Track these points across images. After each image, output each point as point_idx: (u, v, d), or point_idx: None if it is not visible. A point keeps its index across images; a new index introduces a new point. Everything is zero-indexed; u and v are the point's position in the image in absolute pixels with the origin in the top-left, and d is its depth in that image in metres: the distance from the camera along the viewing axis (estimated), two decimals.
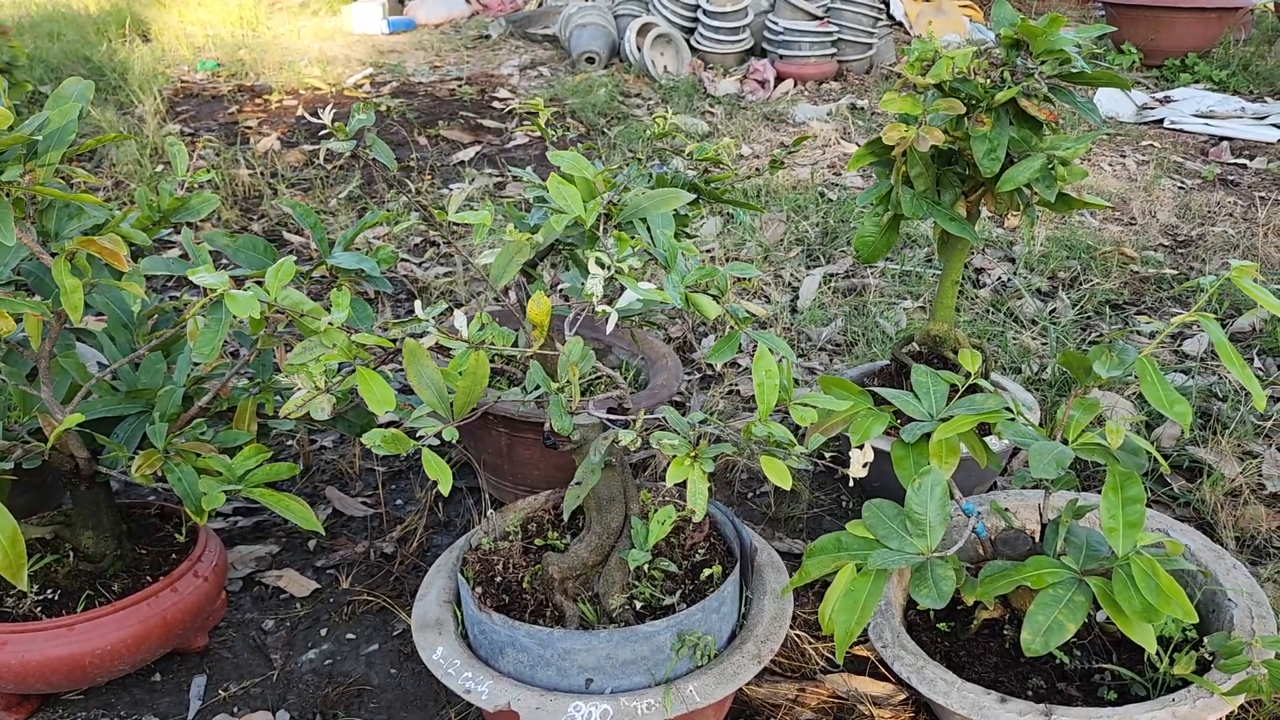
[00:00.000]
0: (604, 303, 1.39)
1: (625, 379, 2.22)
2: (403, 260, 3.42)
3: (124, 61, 6.04)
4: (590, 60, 6.17)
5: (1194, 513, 2.09)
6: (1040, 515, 1.47)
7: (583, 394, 1.53)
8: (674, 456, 1.26)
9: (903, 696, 1.64)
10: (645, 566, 1.48)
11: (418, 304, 1.39)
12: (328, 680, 1.72)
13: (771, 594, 1.50)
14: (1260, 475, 2.17)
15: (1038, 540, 1.47)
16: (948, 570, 1.28)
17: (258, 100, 5.53)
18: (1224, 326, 2.89)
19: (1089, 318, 2.94)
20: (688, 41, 6.13)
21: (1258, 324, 2.87)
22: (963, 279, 3.21)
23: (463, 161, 4.46)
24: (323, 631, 1.83)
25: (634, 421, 1.32)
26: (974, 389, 1.53)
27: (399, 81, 5.98)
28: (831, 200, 3.90)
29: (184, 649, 1.74)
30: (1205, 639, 1.32)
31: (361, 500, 2.19)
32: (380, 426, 1.30)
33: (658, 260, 1.47)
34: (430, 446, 2.33)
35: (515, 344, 1.40)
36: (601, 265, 1.35)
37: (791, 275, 3.28)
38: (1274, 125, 4.79)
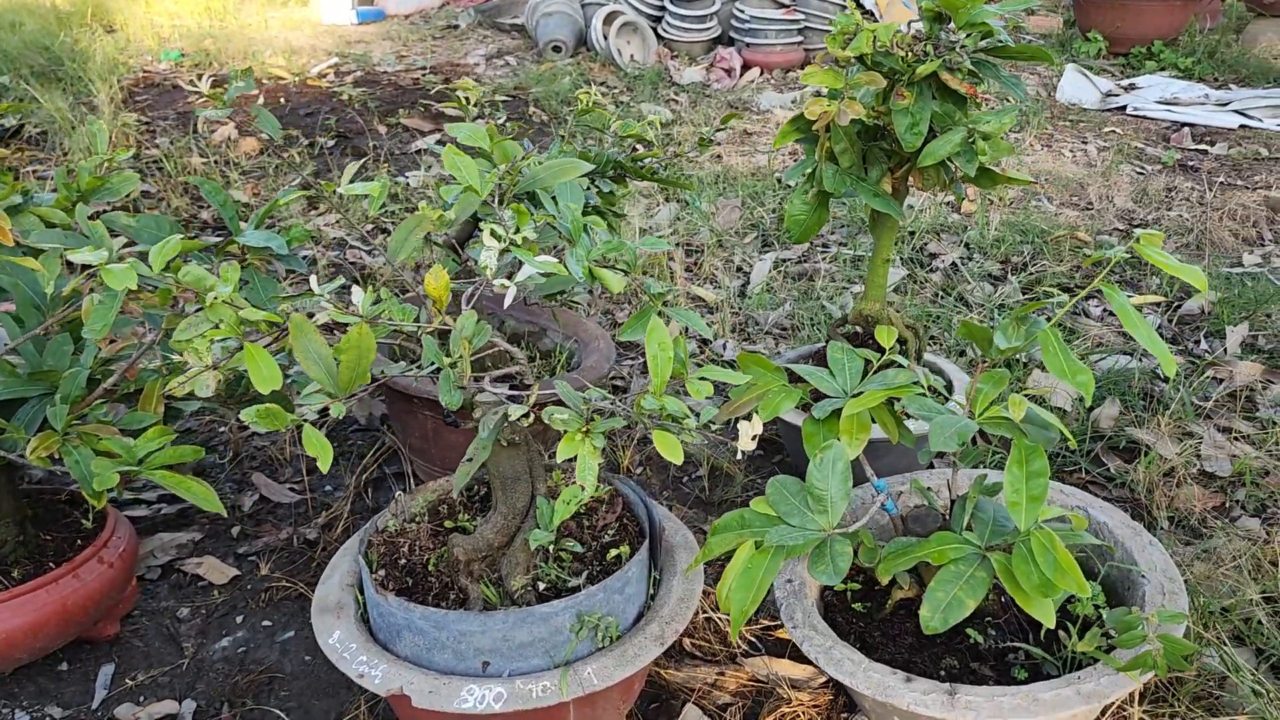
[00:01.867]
0: (504, 276, 1.36)
1: (559, 361, 2.19)
2: (352, 247, 3.38)
3: (84, 51, 5.97)
4: (557, 49, 6.12)
5: (1129, 493, 2.07)
6: (950, 491, 1.44)
7: (485, 370, 1.50)
8: (565, 431, 1.23)
9: (823, 679, 1.61)
10: (550, 548, 1.45)
11: (313, 279, 1.35)
12: (239, 668, 1.68)
13: (681, 574, 1.47)
14: (1198, 456, 2.16)
15: (947, 517, 1.45)
16: (845, 547, 1.25)
17: (218, 90, 5.47)
18: (1173, 309, 2.87)
19: (1036, 300, 2.92)
20: (654, 30, 6.10)
21: (1206, 306, 2.85)
22: (915, 263, 3.19)
23: (420, 150, 4.41)
24: (238, 619, 1.79)
25: (527, 397, 1.29)
26: (891, 366, 1.50)
27: (363, 71, 5.93)
28: (789, 187, 3.87)
29: (93, 637, 1.70)
30: (1107, 615, 1.30)
31: (290, 486, 2.15)
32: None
33: (561, 234, 1.44)
34: (355, 430, 2.31)
35: (417, 319, 1.37)
36: (496, 238, 1.32)
37: (743, 260, 3.25)
38: (1236, 112, 4.78)
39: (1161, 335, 2.70)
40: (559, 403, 1.26)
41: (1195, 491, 2.03)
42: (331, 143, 4.53)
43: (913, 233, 3.39)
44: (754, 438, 1.16)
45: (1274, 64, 5.72)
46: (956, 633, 1.47)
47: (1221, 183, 3.92)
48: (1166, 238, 3.37)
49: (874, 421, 1.43)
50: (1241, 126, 4.64)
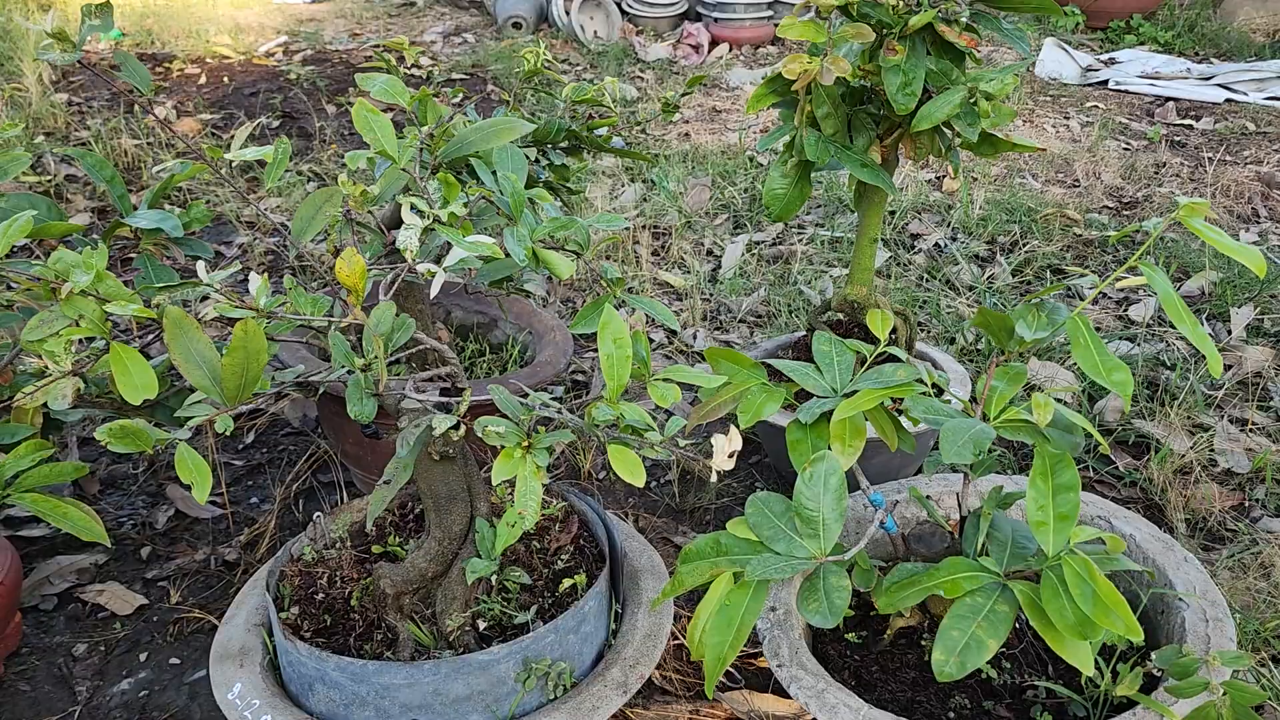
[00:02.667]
0: (434, 260, 1.14)
1: (510, 356, 1.97)
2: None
3: (16, 31, 5.64)
4: (517, 26, 5.87)
5: (1140, 493, 1.89)
6: (960, 505, 1.24)
7: (422, 370, 1.28)
8: (502, 447, 1.01)
9: (811, 717, 1.41)
10: (493, 578, 1.23)
11: (200, 265, 1.13)
12: (140, 715, 1.46)
13: (647, 607, 1.26)
14: (1212, 450, 1.97)
15: (958, 535, 1.25)
16: (842, 579, 1.04)
17: (158, 69, 5.18)
18: None
19: (1028, 283, 2.74)
20: (619, 5, 5.85)
21: (1207, 287, 2.68)
22: (897, 245, 2.99)
23: None
24: (143, 656, 1.56)
25: (457, 405, 1.07)
26: (887, 359, 1.30)
27: (314, 49, 5.65)
28: (761, 165, 3.66)
29: None
30: (1153, 653, 1.10)
31: (211, 500, 1.92)
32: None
33: (500, 210, 1.22)
34: (287, 434, 2.08)
35: (332, 312, 1.16)
36: (419, 214, 1.10)
37: (714, 243, 3.04)
38: (1220, 86, 4.62)
39: (1161, 320, 2.52)
40: (497, 411, 1.05)
41: (1213, 490, 1.85)
42: (276, 123, 4.27)
43: (893, 213, 3.19)
44: (732, 455, 0.95)
45: (1254, 37, 5.58)
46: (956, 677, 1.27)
47: (1209, 158, 3.75)
48: (1161, 213, 3.20)
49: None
50: (1227, 101, 4.48)
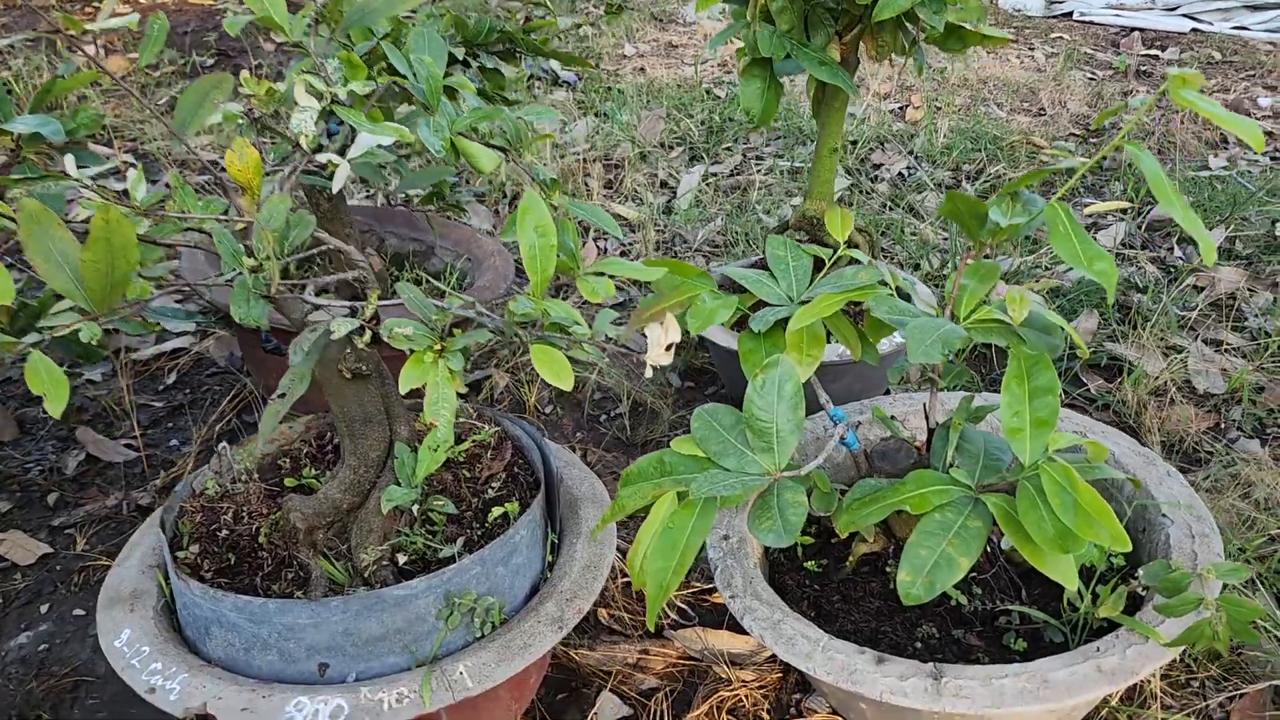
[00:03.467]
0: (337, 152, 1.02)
1: (449, 284, 1.84)
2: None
3: None
4: None
5: (1114, 417, 1.80)
6: (927, 418, 1.13)
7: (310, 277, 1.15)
8: (411, 352, 0.89)
9: (770, 653, 1.31)
10: (415, 509, 1.11)
11: (68, 159, 0.99)
12: (38, 671, 1.33)
13: (586, 536, 1.15)
14: (1186, 372, 1.89)
15: (926, 452, 1.15)
16: (798, 495, 0.93)
17: (89, 10, 4.93)
18: (1140, 216, 2.60)
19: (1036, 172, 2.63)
20: None
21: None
22: (859, 173, 2.87)
23: None
24: (44, 607, 1.43)
25: (363, 308, 0.94)
26: (849, 264, 1.19)
27: None
28: (719, 98, 3.52)
29: None
30: (1140, 570, 1.00)
31: (125, 443, 1.78)
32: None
33: (415, 98, 1.09)
34: (212, 374, 1.93)
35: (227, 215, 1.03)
36: (314, 94, 0.96)
37: (670, 174, 2.91)
38: (1185, 16, 4.52)
39: (1130, 244, 2.43)
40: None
41: (1189, 412, 1.76)
42: (210, 61, 4.06)
43: (855, 142, 3.07)
44: (669, 347, 0.83)
45: None
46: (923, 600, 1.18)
47: None
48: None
49: (829, 336, 1.12)
50: (1193, 30, 4.38)
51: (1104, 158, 1.12)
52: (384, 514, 1.07)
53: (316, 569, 1.09)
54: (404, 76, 1.10)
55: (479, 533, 1.13)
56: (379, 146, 1.00)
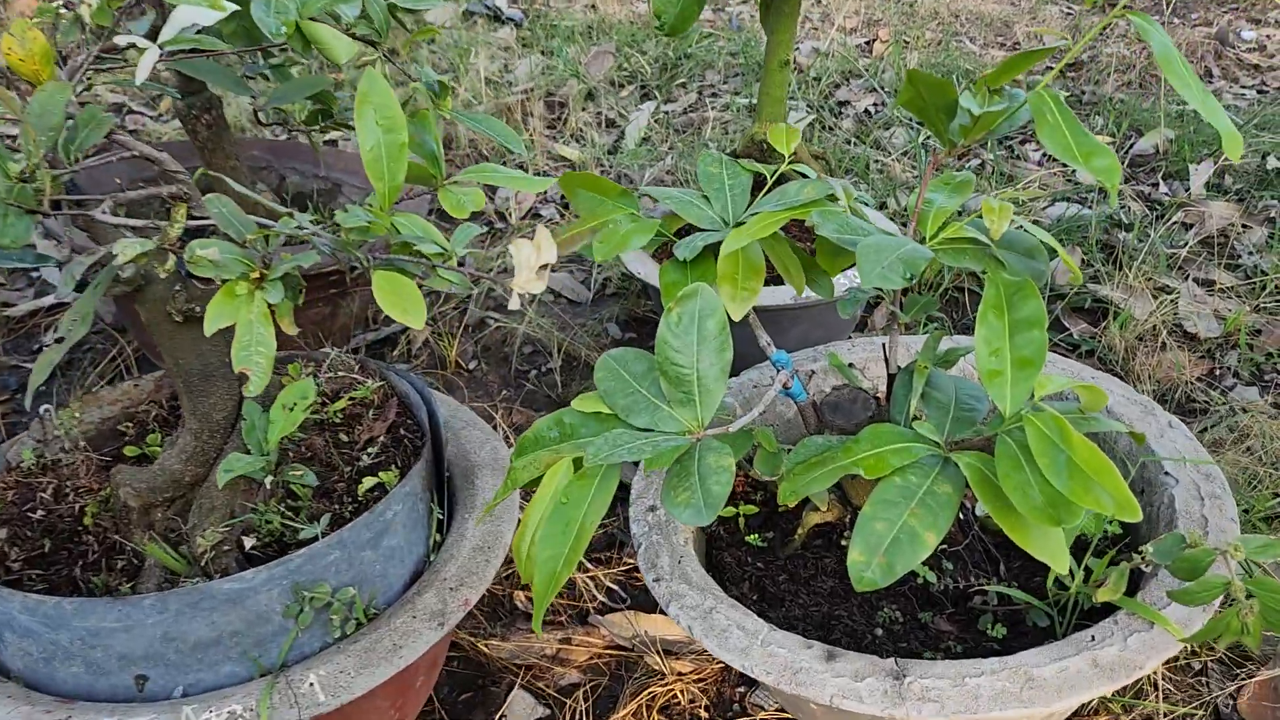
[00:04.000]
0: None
1: None
2: (134, 112, 2.72)
3: None
4: None
5: (1100, 363, 1.62)
6: (887, 362, 0.94)
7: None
8: (220, 282, 0.69)
9: None
10: (269, 481, 0.91)
11: None
12: None
13: (481, 511, 0.96)
14: (1176, 315, 1.71)
15: (887, 403, 0.96)
16: (723, 458, 0.74)
17: None
18: (1122, 151, 2.42)
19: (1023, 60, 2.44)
20: None
21: (1162, 145, 2.40)
22: (823, 109, 2.67)
23: None
24: None
25: (167, 228, 0.74)
26: (789, 182, 0.99)
27: None
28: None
29: None
30: (1148, 545, 0.82)
31: None
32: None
33: None
34: (97, 332, 1.72)
35: None
36: None
37: (618, 113, 2.69)
38: None
39: None
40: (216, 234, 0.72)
41: (1182, 358, 1.59)
42: None
43: (818, 78, 2.86)
44: (543, 268, 0.63)
45: None
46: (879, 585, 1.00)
47: (1160, 21, 3.46)
48: (1109, 74, 2.92)
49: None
50: None
51: (1083, 50, 0.91)
52: (224, 488, 0.88)
53: (150, 557, 0.90)
54: None
55: (351, 508, 0.94)
56: (202, 30, 0.79)
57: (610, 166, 2.37)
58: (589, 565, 1.25)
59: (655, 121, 2.60)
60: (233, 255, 0.68)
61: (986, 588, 0.95)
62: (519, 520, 0.96)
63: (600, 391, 0.82)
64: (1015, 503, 0.71)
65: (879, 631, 0.96)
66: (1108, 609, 0.89)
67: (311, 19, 0.89)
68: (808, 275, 0.98)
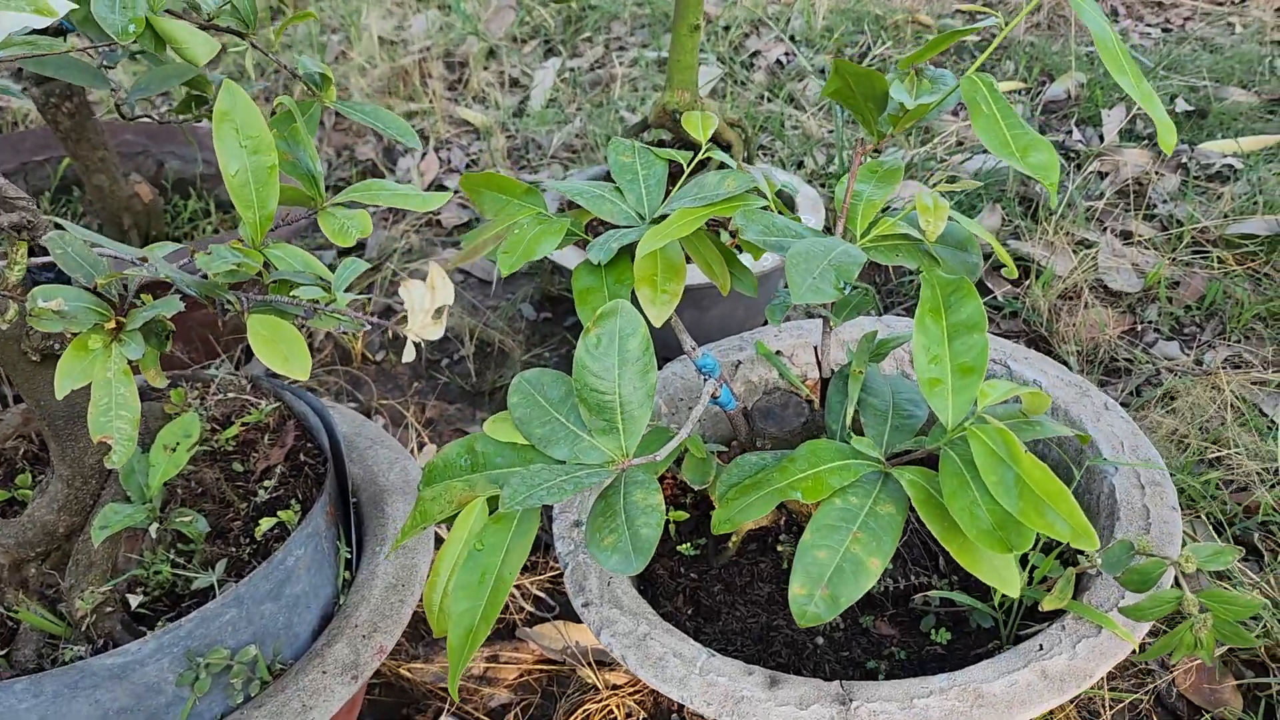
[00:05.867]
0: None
1: None
2: None
3: None
4: None
5: (1024, 325, 1.60)
6: (819, 365, 0.89)
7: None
8: (71, 335, 0.60)
9: None
10: (152, 530, 0.83)
11: None
12: None
13: (389, 549, 0.89)
14: (1098, 270, 1.70)
15: (821, 406, 0.91)
16: (650, 495, 0.68)
17: None
18: (1034, 97, 2.40)
19: (951, 35, 2.39)
20: None
21: (1074, 90, 2.39)
22: (733, 62, 2.59)
23: None
24: None
25: (4, 270, 0.64)
26: (710, 169, 0.93)
27: None
28: None
29: None
30: (1097, 554, 0.79)
31: None
32: None
33: None
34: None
35: None
36: None
37: (522, 72, 2.58)
38: None
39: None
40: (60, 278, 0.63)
41: (1104, 315, 1.58)
42: None
43: (727, 27, 2.78)
44: (440, 312, 0.56)
45: None
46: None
47: None
48: (1013, 14, 2.89)
49: (688, 262, 0.87)
50: None
51: (1002, 23, 0.86)
52: (96, 543, 0.79)
53: (24, 623, 0.81)
54: None
55: (248, 550, 0.86)
56: (36, 32, 0.69)
57: (516, 131, 2.27)
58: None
59: (561, 80, 2.50)
60: (82, 304, 0.59)
61: (930, 593, 0.91)
62: (433, 555, 0.89)
63: (515, 420, 0.75)
64: (963, 526, 0.67)
65: (820, 640, 0.92)
66: (1054, 609, 0.86)
67: (168, 11, 0.80)
68: (731, 270, 0.92)
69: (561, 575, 1.20)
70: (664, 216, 0.89)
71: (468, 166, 2.16)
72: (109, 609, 0.79)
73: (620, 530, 0.67)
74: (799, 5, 2.91)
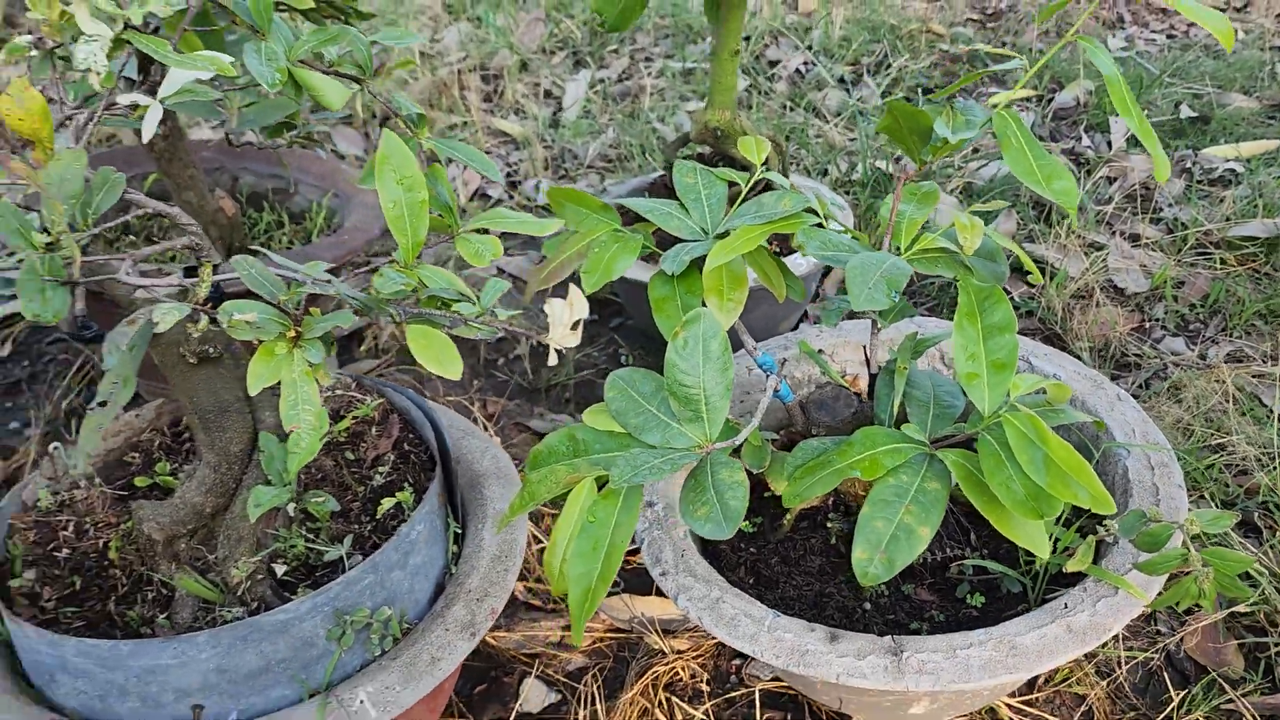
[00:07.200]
0: (143, 90, 0.83)
1: (315, 224, 1.64)
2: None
3: None
4: None
5: (1040, 324, 1.72)
6: (867, 361, 1.02)
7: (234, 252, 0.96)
8: (259, 342, 0.72)
9: None
10: (290, 508, 0.96)
11: None
12: None
13: (495, 520, 1.01)
14: (1108, 270, 1.82)
15: (866, 396, 1.03)
16: (735, 473, 0.81)
17: None
18: (1045, 104, 2.52)
19: (969, 74, 2.52)
20: None
21: (1082, 97, 2.51)
22: (755, 72, 2.72)
23: None
24: None
25: (195, 286, 0.77)
26: (765, 188, 1.05)
27: None
28: None
29: None
30: (1112, 521, 0.91)
31: None
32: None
33: (237, 17, 0.89)
34: (54, 341, 1.70)
35: None
36: (103, 18, 0.77)
37: (554, 83, 2.70)
38: None
39: (1038, 135, 2.35)
40: (247, 293, 0.75)
41: (1116, 314, 1.70)
42: None
43: (748, 38, 2.90)
44: (576, 325, 0.69)
45: None
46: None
47: None
48: (1027, 23, 3.01)
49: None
50: None
51: (1035, 52, 0.97)
52: (252, 519, 0.91)
53: (181, 588, 0.93)
54: None
55: (369, 526, 0.98)
56: (199, 81, 0.81)
57: (553, 141, 2.39)
58: None
59: (591, 91, 2.62)
60: (269, 316, 0.72)
61: (964, 561, 1.03)
62: (529, 531, 1.02)
63: (612, 410, 0.87)
64: (1001, 498, 0.79)
65: (867, 606, 1.04)
66: (1075, 575, 0.98)
67: (300, 62, 0.92)
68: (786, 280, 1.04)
69: (627, 553, 1.32)
70: (726, 233, 1.01)
71: (508, 177, 2.28)
72: (260, 576, 0.92)
73: (711, 503, 0.79)
74: (816, 16, 3.02)
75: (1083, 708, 1.11)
